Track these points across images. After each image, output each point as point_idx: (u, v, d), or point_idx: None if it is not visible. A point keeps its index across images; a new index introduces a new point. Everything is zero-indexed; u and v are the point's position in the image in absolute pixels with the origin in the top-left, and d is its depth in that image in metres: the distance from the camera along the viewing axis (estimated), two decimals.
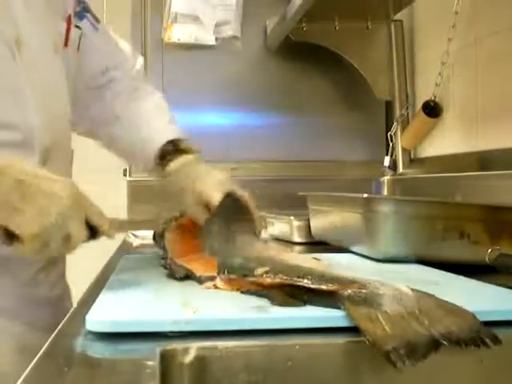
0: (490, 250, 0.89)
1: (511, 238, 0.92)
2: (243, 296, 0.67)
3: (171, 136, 1.04)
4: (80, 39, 1.02)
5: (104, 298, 0.65)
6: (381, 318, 0.55)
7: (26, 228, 0.66)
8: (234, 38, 1.75)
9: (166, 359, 0.51)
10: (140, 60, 1.16)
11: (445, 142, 1.52)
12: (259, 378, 0.53)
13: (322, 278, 0.64)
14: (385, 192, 1.76)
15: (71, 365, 0.49)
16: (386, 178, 1.77)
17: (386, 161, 1.75)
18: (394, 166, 1.74)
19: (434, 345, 0.51)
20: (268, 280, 0.67)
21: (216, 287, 0.72)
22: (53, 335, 0.58)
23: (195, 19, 1.71)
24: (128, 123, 1.08)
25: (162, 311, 0.60)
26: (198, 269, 0.78)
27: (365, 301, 0.58)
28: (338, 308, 0.58)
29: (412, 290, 0.61)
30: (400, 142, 1.71)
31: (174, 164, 1.00)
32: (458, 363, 0.55)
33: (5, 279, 0.88)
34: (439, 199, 1.20)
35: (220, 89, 1.78)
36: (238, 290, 0.69)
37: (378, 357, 0.51)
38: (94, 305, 0.61)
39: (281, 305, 0.61)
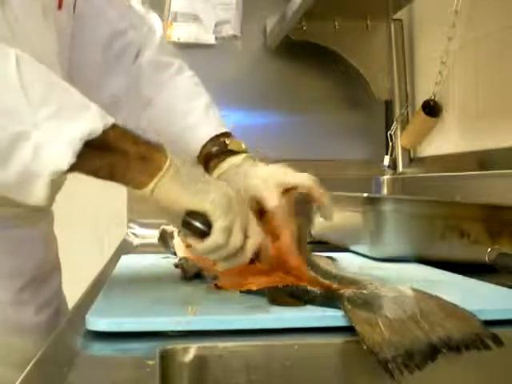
0: (489, 250, 0.89)
1: (511, 238, 0.92)
2: (243, 296, 0.67)
3: (213, 131, 0.89)
4: (75, 1, 0.87)
5: (104, 298, 0.65)
6: (380, 322, 0.54)
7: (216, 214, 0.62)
8: (234, 37, 1.75)
9: (165, 359, 0.51)
10: (159, 25, 0.99)
11: (444, 141, 1.52)
12: (259, 378, 0.53)
13: (323, 276, 0.64)
14: (384, 191, 1.75)
15: (71, 364, 0.49)
16: (385, 178, 1.76)
17: (386, 160, 1.75)
18: (393, 165, 1.74)
19: (433, 352, 0.51)
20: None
21: (218, 287, 0.71)
22: (53, 335, 0.58)
23: (195, 18, 1.71)
24: (163, 108, 0.94)
25: (162, 311, 0.60)
26: (209, 268, 0.77)
27: (365, 303, 0.58)
28: (338, 308, 0.58)
29: (413, 290, 0.61)
30: (400, 142, 1.71)
31: (218, 170, 0.85)
32: (457, 362, 0.55)
33: None
34: (439, 198, 1.20)
35: (220, 88, 1.78)
36: (237, 289, 0.69)
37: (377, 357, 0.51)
38: (93, 304, 0.61)
39: (280, 304, 0.61)
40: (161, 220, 1.55)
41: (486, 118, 1.34)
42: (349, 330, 0.56)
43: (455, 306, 0.58)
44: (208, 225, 0.63)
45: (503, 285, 0.74)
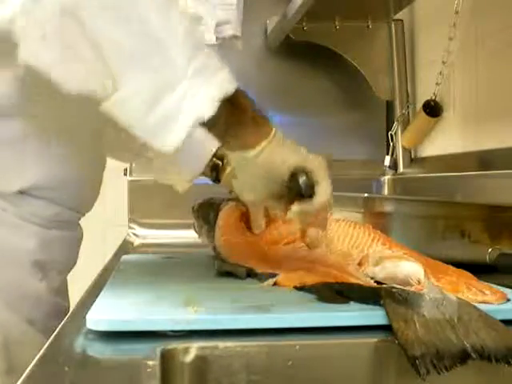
0: (490, 250, 0.89)
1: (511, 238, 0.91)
2: (244, 295, 0.67)
3: None
4: None
5: (105, 297, 0.65)
6: (415, 319, 0.55)
7: None
8: (235, 37, 1.74)
9: (166, 359, 0.51)
10: None
11: (445, 141, 1.52)
12: (259, 378, 0.53)
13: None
14: (385, 191, 1.75)
15: (71, 364, 0.49)
16: (386, 178, 1.76)
17: (387, 160, 1.75)
18: (394, 165, 1.74)
19: (463, 357, 0.51)
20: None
21: (276, 284, 0.71)
22: (53, 335, 0.58)
23: (196, 18, 1.71)
24: None
25: (162, 310, 0.60)
26: (259, 266, 0.77)
27: (405, 300, 0.58)
28: (380, 305, 0.59)
29: (457, 298, 0.61)
30: (400, 142, 1.70)
31: None
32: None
33: (41, 286, 0.83)
34: (439, 198, 1.20)
35: None
36: (295, 287, 0.69)
37: (377, 357, 0.51)
38: (94, 304, 0.61)
39: (328, 301, 0.62)
40: (162, 220, 1.55)
41: (486, 118, 1.34)
42: (350, 329, 0.56)
43: (494, 318, 0.57)
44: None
45: (504, 285, 0.74)
